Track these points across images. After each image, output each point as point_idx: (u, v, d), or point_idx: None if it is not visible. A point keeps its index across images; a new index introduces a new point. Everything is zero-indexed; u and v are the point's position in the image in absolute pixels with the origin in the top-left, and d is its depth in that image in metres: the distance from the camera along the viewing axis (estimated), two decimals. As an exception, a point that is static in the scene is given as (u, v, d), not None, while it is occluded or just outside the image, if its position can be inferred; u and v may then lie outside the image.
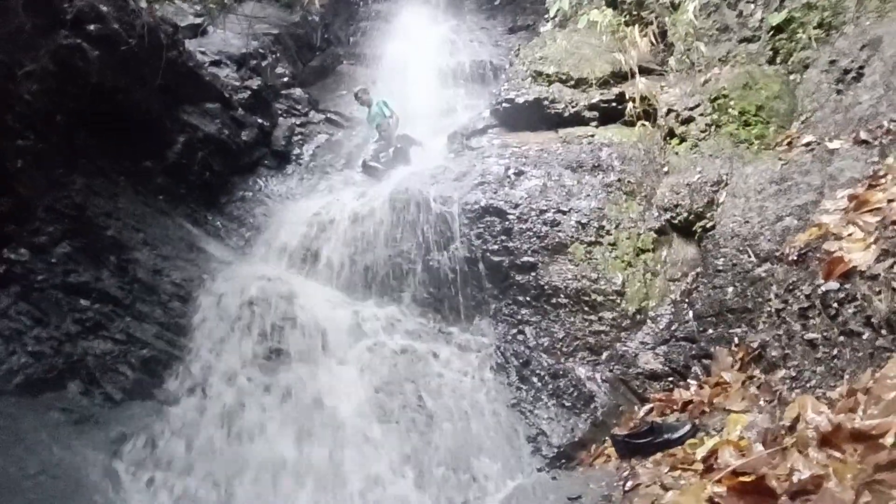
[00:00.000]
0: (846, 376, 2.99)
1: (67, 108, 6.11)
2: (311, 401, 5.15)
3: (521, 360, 5.04)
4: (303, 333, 5.57)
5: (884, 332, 2.91)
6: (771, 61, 5.97)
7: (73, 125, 6.17)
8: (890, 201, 3.44)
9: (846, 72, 5.06)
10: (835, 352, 3.12)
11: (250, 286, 6.08)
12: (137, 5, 7.05)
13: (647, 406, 4.31)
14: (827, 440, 2.60)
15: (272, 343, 5.51)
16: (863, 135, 4.44)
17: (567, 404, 4.68)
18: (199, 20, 9.89)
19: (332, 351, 5.49)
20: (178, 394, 5.09)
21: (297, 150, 9.47)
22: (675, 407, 4.04)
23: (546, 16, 9.09)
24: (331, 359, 5.44)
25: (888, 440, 2.38)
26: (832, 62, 5.24)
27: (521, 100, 6.79)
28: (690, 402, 3.97)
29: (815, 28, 5.58)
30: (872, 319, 2.95)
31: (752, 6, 6.36)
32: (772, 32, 5.97)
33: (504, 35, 12.35)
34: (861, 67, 4.93)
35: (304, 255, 6.75)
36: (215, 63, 9.22)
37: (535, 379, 4.91)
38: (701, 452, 3.12)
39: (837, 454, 2.48)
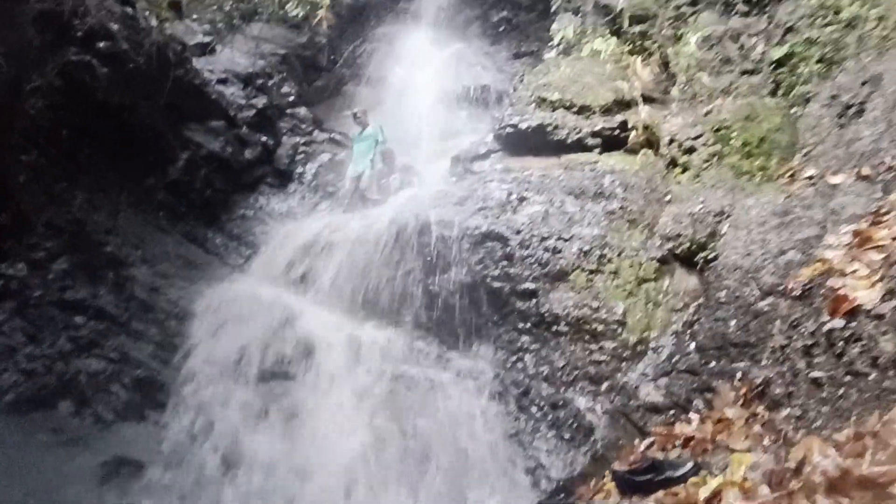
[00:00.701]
0: (853, 418, 2.93)
1: (72, 124, 6.14)
2: (308, 426, 5.07)
3: (520, 389, 4.97)
4: (300, 356, 5.50)
5: (890, 373, 2.86)
6: (772, 94, 6.02)
7: (76, 140, 6.20)
8: (894, 239, 3.42)
9: (848, 107, 5.09)
10: (840, 392, 3.07)
11: (248, 306, 6.03)
12: (148, 24, 7.13)
13: (648, 440, 4.22)
14: (834, 486, 2.53)
15: (269, 366, 5.44)
16: (865, 170, 4.45)
17: (566, 436, 4.60)
18: (207, 39, 10.03)
19: (330, 375, 5.41)
20: (171, 416, 5.00)
21: (299, 169, 9.49)
22: (676, 442, 3.96)
23: (550, 43, 9.20)
24: (328, 383, 5.36)
25: (897, 489, 2.32)
26: (833, 97, 5.28)
27: (524, 125, 6.82)
28: (692, 437, 3.88)
29: (816, 63, 5.64)
30: (879, 360, 2.91)
31: (754, 39, 6.44)
32: (773, 66, 6.03)
33: (508, 60, 12.49)
34: (862, 103, 4.96)
35: (303, 275, 6.70)
36: (222, 81, 9.30)
37: (534, 409, 4.83)
38: (704, 493, 3.04)
39: (845, 501, 2.42)
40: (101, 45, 6.40)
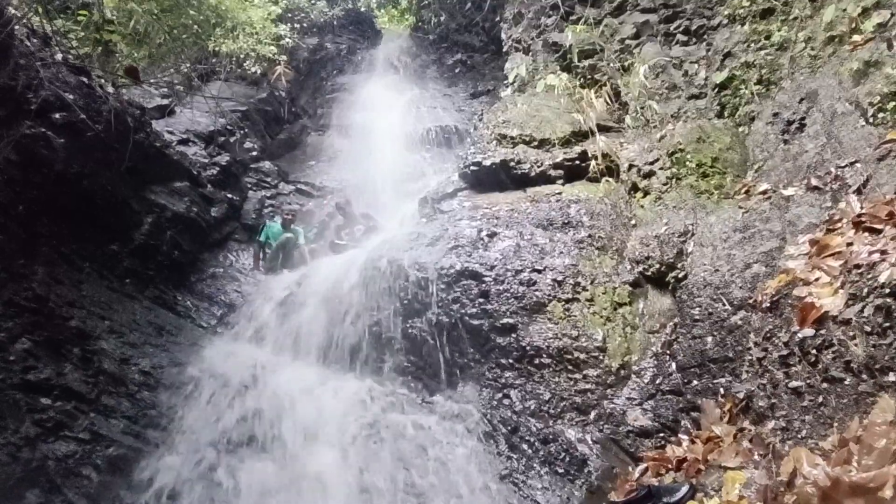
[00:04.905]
0: (835, 424, 2.98)
1: (30, 197, 5.98)
2: (293, 488, 4.86)
3: (509, 427, 4.89)
4: (281, 415, 5.32)
5: (864, 376, 2.94)
6: (719, 115, 6.33)
7: (35, 213, 6.03)
8: (849, 245, 3.57)
9: (789, 123, 5.38)
10: (820, 399, 3.12)
11: (223, 368, 5.85)
12: (104, 91, 7.09)
13: (642, 466, 4.20)
14: (827, 496, 2.56)
15: (249, 429, 5.23)
16: (814, 181, 4.67)
17: (560, 471, 4.52)
18: (166, 101, 10.04)
19: (313, 431, 5.24)
20: (148, 494, 4.74)
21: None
22: (669, 466, 3.95)
23: (505, 81, 9.52)
24: (311, 440, 5.18)
25: (887, 493, 2.36)
26: (775, 114, 5.58)
27: (487, 162, 6.94)
28: (684, 459, 3.88)
29: (755, 84, 5.98)
30: (852, 364, 2.98)
31: (696, 66, 6.80)
32: (717, 89, 6.36)
33: (466, 101, 12.85)
34: (802, 118, 5.25)
35: (279, 330, 6.57)
36: (183, 142, 9.29)
37: (525, 446, 4.75)
38: (702, 516, 3.03)
39: (840, 511, 2.44)
40: (57, 115, 6.32)
